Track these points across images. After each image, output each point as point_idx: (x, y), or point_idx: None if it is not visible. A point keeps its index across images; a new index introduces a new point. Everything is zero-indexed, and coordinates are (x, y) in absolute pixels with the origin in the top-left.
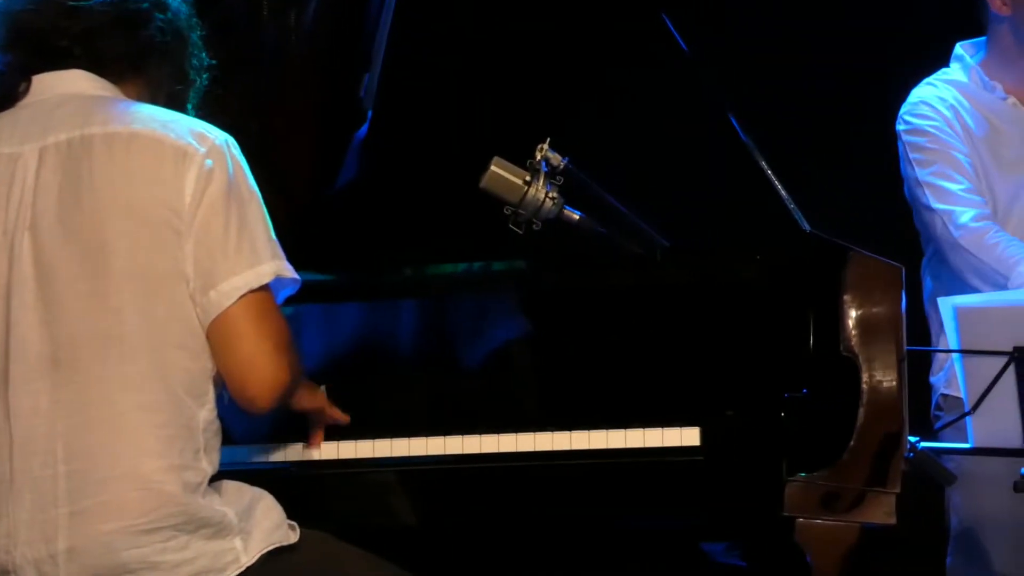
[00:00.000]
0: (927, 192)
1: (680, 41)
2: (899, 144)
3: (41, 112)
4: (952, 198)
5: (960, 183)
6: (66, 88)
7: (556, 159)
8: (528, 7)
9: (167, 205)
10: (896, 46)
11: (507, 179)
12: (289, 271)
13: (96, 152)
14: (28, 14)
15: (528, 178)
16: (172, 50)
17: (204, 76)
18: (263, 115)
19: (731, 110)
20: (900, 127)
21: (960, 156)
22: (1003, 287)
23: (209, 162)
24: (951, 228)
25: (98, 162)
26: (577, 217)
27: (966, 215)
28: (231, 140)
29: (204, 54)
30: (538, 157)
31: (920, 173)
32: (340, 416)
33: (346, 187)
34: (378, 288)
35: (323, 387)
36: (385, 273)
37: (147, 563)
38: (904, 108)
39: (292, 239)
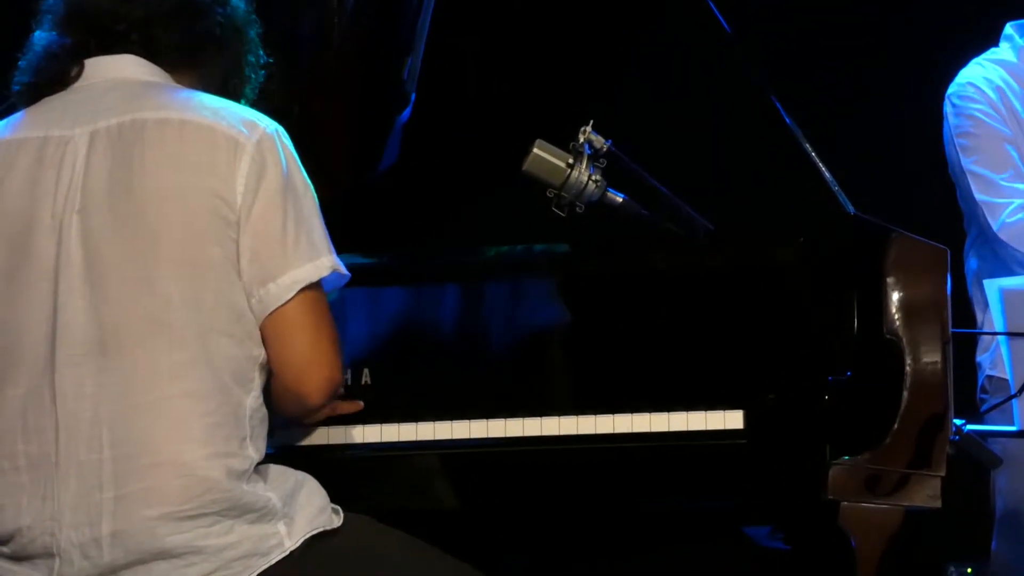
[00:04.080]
0: (970, 181)
1: (722, 22)
2: (945, 124)
3: (92, 96)
4: (994, 189)
5: (1003, 173)
6: (118, 73)
7: (599, 141)
8: None
9: (218, 194)
10: (943, 24)
11: (550, 162)
12: (341, 266)
13: (148, 137)
14: None
15: (571, 161)
16: (228, 44)
17: (260, 73)
18: (305, 100)
19: (774, 91)
20: (947, 108)
21: (1005, 143)
22: None
23: (261, 152)
24: (992, 222)
25: (149, 148)
26: (620, 200)
27: (1007, 209)
28: (281, 129)
29: (261, 51)
30: (581, 140)
31: (965, 161)
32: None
33: (389, 171)
34: (420, 272)
35: (365, 371)
36: (428, 257)
37: (191, 547)
38: (951, 89)
39: (334, 223)
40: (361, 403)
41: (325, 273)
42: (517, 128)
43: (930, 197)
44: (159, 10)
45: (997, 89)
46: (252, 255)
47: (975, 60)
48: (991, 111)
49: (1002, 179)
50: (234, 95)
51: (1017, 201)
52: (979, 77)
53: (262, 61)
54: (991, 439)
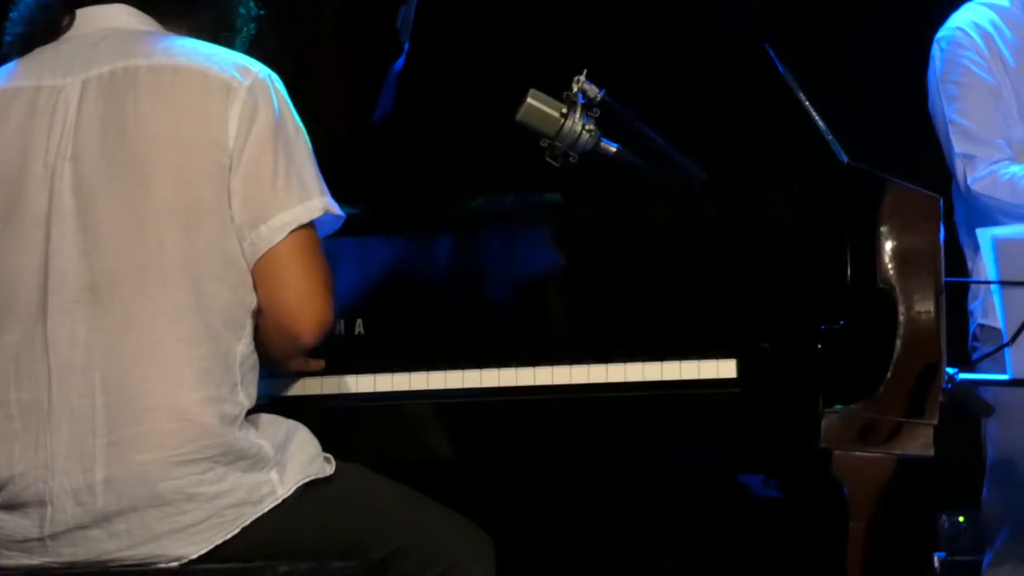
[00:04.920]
0: (951, 132)
1: None
2: (930, 68)
3: (84, 45)
4: (973, 143)
5: (984, 125)
6: (109, 22)
7: (592, 91)
8: None
9: (211, 138)
10: None
11: (544, 111)
12: (335, 207)
13: (141, 84)
14: None
15: (564, 110)
16: None
17: (251, 25)
18: (299, 50)
19: (767, 40)
20: (935, 52)
21: (990, 94)
22: None
23: (253, 96)
24: (968, 176)
25: (143, 94)
26: (614, 149)
27: (982, 164)
28: (274, 74)
29: (252, 3)
30: (575, 89)
31: (948, 110)
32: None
33: (383, 121)
34: (414, 222)
35: (359, 321)
36: (421, 207)
37: (184, 494)
38: (941, 32)
39: (328, 173)
40: (323, 362)
41: (317, 214)
42: (512, 77)
43: (921, 143)
44: None
45: (986, 35)
46: (244, 198)
47: (968, 3)
48: (979, 59)
49: (982, 132)
50: (225, 47)
51: (993, 154)
52: (969, 22)
53: (253, 14)
54: (983, 388)
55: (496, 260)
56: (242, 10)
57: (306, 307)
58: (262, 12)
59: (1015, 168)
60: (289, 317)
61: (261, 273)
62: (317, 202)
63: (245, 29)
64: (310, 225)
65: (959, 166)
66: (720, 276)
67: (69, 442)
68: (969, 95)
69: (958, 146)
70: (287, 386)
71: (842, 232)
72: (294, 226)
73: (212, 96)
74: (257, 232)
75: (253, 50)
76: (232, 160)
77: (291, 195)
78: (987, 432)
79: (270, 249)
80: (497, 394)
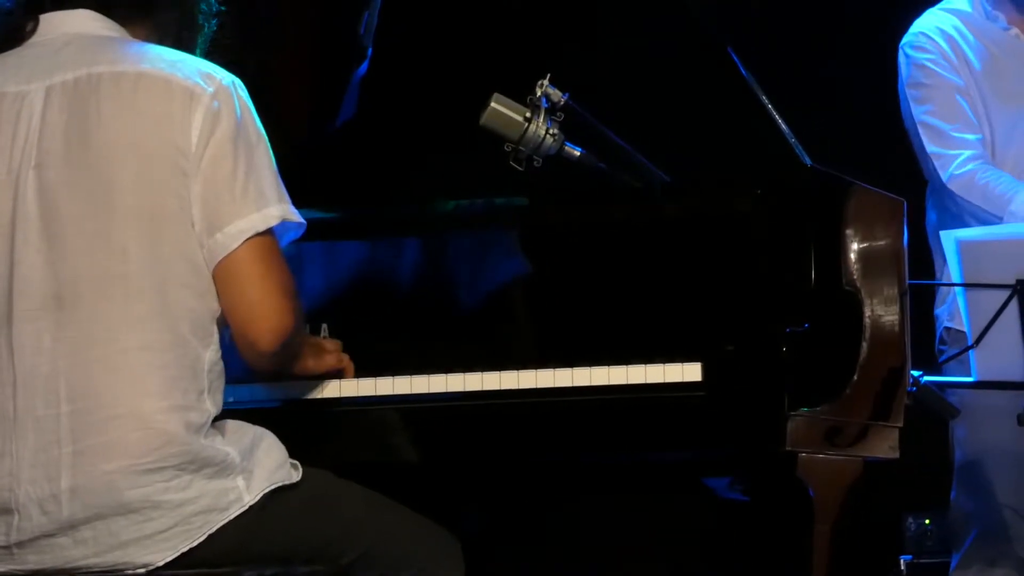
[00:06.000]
0: (921, 132)
1: None
2: (899, 76)
3: (47, 51)
4: (945, 140)
5: (954, 123)
6: (73, 27)
7: (556, 95)
8: None
9: (174, 145)
10: None
11: (507, 116)
12: (295, 215)
13: (104, 91)
14: None
15: (528, 114)
16: None
17: (213, 22)
18: (262, 53)
19: (730, 43)
20: (901, 58)
21: (956, 93)
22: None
23: (216, 103)
24: (942, 173)
25: (106, 101)
26: (578, 153)
27: (957, 159)
28: (238, 81)
29: (213, 0)
30: (538, 93)
31: (916, 111)
32: (349, 370)
33: (346, 125)
34: (379, 226)
35: (324, 326)
36: (386, 211)
37: (150, 502)
38: (905, 39)
39: (292, 177)
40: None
41: (273, 223)
42: (476, 82)
43: (887, 147)
44: None
45: (949, 39)
46: (202, 203)
47: (931, 9)
48: (943, 61)
49: (953, 130)
50: (188, 46)
51: (966, 152)
52: (932, 26)
53: (214, 10)
54: (949, 390)
55: (461, 264)
56: (203, 6)
57: (262, 314)
58: (223, 8)
59: (991, 174)
60: (245, 324)
61: (219, 280)
62: (274, 210)
63: (207, 26)
64: (268, 233)
65: (932, 165)
66: (685, 279)
67: (35, 451)
68: (935, 95)
69: (929, 146)
70: (254, 392)
71: (806, 235)
72: (250, 234)
73: (175, 103)
74: (213, 239)
75: (214, 50)
76: (192, 166)
77: (248, 202)
78: (954, 434)
79: (226, 256)
80: (463, 398)
